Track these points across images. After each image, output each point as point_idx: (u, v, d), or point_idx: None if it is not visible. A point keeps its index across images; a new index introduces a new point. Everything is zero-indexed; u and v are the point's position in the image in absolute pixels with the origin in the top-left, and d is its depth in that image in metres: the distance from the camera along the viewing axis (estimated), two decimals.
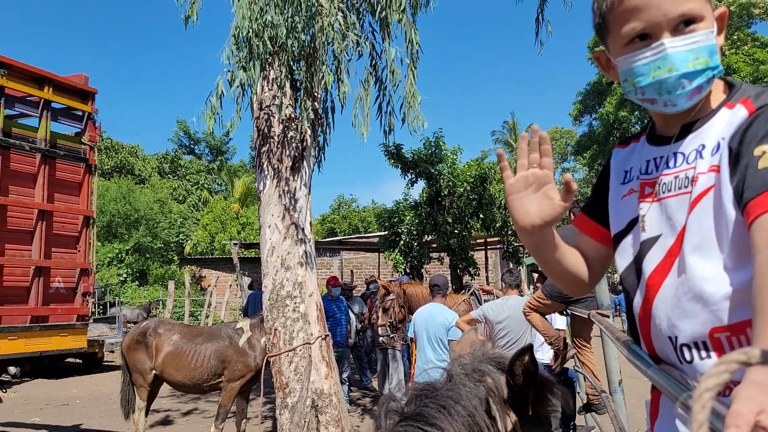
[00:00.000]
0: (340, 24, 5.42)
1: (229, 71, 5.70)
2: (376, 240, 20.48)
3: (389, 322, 8.25)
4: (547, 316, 5.58)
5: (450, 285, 13.95)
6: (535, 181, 1.32)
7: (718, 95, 1.25)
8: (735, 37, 26.66)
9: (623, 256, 1.37)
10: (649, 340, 1.30)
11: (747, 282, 1.05)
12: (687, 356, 1.19)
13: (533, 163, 1.32)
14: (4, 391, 8.62)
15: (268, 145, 6.31)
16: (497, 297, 7.65)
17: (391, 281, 10.66)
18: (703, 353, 1.17)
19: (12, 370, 12.47)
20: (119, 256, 27.27)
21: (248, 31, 5.35)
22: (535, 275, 7.23)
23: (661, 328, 1.25)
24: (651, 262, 1.27)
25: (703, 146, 1.20)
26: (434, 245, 15.18)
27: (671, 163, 1.26)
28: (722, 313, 1.12)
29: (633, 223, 1.35)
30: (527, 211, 1.32)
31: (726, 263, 1.12)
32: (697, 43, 1.19)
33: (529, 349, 1.25)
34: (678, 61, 1.19)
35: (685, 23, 1.19)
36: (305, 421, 5.62)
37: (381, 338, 8.40)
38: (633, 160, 1.40)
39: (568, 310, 5.61)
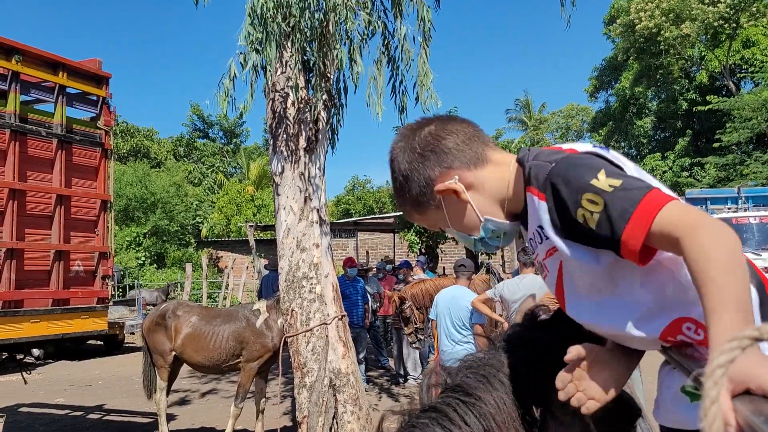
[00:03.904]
0: (351, 2, 5.37)
1: (241, 53, 5.68)
2: (391, 220, 20.50)
3: (414, 328, 8.38)
4: None
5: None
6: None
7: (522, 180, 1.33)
8: (753, 8, 26.06)
9: None
10: None
11: None
12: None
13: None
14: (28, 372, 8.80)
15: (282, 127, 6.30)
16: (508, 278, 7.67)
17: (400, 264, 10.69)
18: None
19: (36, 352, 12.73)
20: (137, 239, 27.53)
21: (263, 10, 5.32)
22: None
23: None
24: None
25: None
26: None
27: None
28: None
29: None
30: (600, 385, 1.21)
31: None
32: (453, 234, 1.49)
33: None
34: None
35: None
36: (323, 400, 5.68)
37: (413, 344, 8.64)
38: None
39: None
